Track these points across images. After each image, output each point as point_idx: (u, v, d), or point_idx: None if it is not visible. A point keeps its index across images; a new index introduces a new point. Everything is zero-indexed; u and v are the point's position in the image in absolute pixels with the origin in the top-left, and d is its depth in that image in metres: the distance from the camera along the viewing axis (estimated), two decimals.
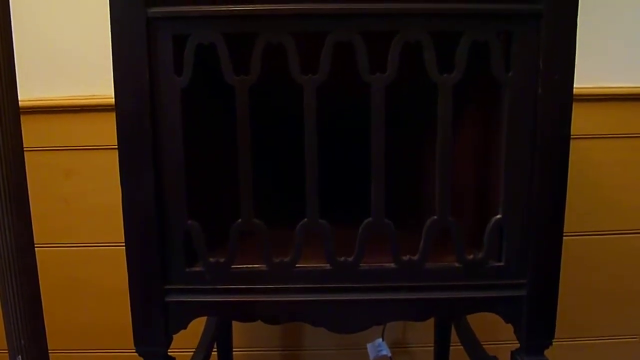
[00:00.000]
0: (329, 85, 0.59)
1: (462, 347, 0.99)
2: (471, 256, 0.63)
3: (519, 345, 0.66)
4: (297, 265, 0.63)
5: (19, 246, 0.61)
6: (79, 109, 1.15)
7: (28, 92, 1.13)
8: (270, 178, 0.89)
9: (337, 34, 0.58)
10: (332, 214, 0.64)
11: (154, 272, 0.62)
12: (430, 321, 1.21)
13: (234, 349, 1.17)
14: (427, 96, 0.64)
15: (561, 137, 0.60)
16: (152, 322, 0.64)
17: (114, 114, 0.60)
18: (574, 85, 0.60)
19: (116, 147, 0.60)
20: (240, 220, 0.62)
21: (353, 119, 0.72)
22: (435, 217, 0.62)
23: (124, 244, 0.62)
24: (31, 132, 1.14)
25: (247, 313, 0.65)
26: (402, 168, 0.82)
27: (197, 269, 0.64)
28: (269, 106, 0.77)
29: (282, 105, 0.72)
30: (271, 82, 0.60)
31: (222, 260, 0.63)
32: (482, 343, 0.96)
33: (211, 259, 0.63)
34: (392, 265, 0.63)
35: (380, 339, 1.20)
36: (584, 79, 1.14)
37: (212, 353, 1.01)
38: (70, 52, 1.15)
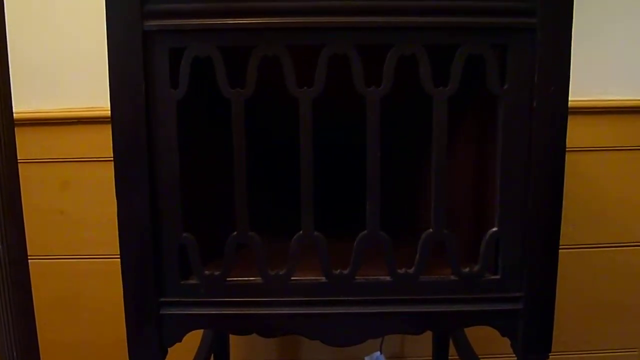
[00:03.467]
0: (325, 98, 0.59)
1: None
2: (467, 269, 0.63)
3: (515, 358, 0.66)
4: (292, 278, 0.63)
5: (12, 258, 0.60)
6: (75, 121, 1.15)
7: (25, 103, 1.14)
8: (267, 190, 0.89)
9: (332, 47, 0.58)
10: (328, 226, 0.64)
11: (148, 285, 0.62)
12: (428, 334, 1.20)
13: None
14: (423, 109, 0.64)
15: (557, 150, 0.60)
16: (147, 335, 0.63)
17: (110, 126, 0.60)
18: (570, 98, 0.60)
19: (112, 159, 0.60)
20: (235, 232, 0.62)
21: (349, 132, 0.72)
22: (431, 230, 0.62)
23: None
24: (28, 144, 1.14)
25: (243, 326, 0.65)
26: (398, 181, 0.82)
27: (192, 281, 0.63)
28: (266, 119, 0.77)
29: (279, 117, 0.72)
30: (268, 95, 0.60)
31: (217, 273, 0.63)
32: (480, 356, 0.95)
33: (206, 272, 0.63)
34: (388, 278, 0.63)
35: (378, 352, 1.19)
36: (580, 92, 1.15)
37: None
38: (68, 64, 1.15)
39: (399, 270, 0.63)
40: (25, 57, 1.14)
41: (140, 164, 0.60)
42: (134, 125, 0.59)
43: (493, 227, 0.62)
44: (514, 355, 0.66)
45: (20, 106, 1.09)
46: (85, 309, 1.24)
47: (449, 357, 1.14)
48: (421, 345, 1.28)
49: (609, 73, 1.18)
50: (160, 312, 0.63)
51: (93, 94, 1.15)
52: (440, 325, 0.65)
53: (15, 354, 0.61)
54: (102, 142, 1.13)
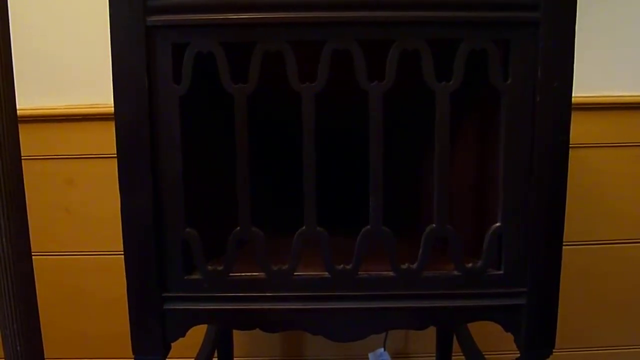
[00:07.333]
0: (327, 93, 0.59)
1: (463, 356, 0.99)
2: (470, 264, 0.63)
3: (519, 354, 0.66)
4: (295, 273, 0.63)
5: (16, 252, 0.61)
6: (80, 117, 1.16)
7: (29, 100, 1.14)
8: (269, 186, 0.89)
9: (334, 42, 0.58)
10: (331, 221, 0.64)
11: (152, 280, 0.62)
12: (432, 330, 1.20)
13: (234, 358, 1.16)
14: (426, 105, 0.64)
15: (560, 145, 0.60)
16: (150, 330, 0.63)
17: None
18: (574, 94, 0.60)
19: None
20: (238, 228, 0.62)
21: (352, 127, 0.72)
22: (434, 225, 0.62)
23: None
24: (33, 141, 1.15)
25: (245, 321, 0.65)
26: (401, 176, 0.82)
27: (195, 277, 0.64)
28: (268, 114, 0.77)
29: (282, 113, 0.72)
30: (271, 91, 0.60)
31: (220, 268, 0.63)
32: (484, 353, 0.95)
33: (209, 267, 0.63)
34: (391, 273, 0.63)
35: (382, 348, 1.20)
36: (584, 88, 1.14)
37: None
38: (72, 61, 1.16)
39: (402, 266, 0.63)
40: (28, 53, 1.14)
41: (143, 159, 0.60)
42: (137, 120, 0.59)
43: (496, 222, 0.62)
44: (517, 351, 0.66)
45: (24, 103, 1.10)
46: (89, 305, 1.25)
47: (453, 354, 1.14)
48: (425, 342, 1.28)
49: (612, 69, 1.17)
50: (164, 308, 0.63)
51: (97, 90, 1.15)
52: (443, 320, 0.65)
53: (19, 347, 0.62)
54: (107, 138, 1.14)
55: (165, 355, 0.64)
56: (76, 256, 1.23)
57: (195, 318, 0.64)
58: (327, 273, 0.63)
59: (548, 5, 0.58)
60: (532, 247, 0.62)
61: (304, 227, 0.62)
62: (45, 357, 0.70)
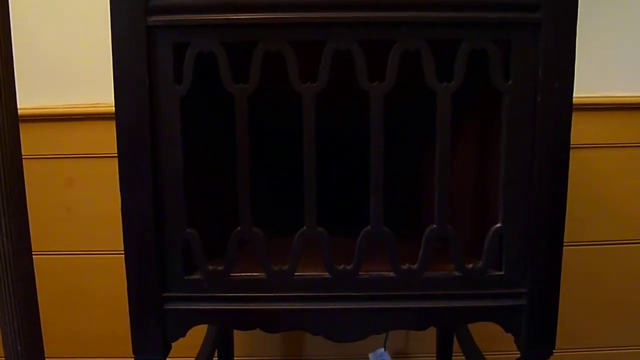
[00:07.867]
0: (329, 94, 0.59)
1: (464, 356, 0.99)
2: (471, 265, 0.63)
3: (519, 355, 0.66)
4: (295, 273, 0.63)
5: (16, 251, 0.61)
6: (81, 117, 1.16)
7: (31, 100, 1.14)
8: (270, 185, 0.89)
9: (335, 43, 0.58)
10: (331, 221, 0.64)
11: (152, 280, 0.62)
12: (433, 331, 1.20)
13: (235, 358, 1.16)
14: (427, 106, 0.64)
15: (561, 146, 0.60)
16: (151, 330, 0.63)
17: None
18: (575, 95, 0.60)
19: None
20: (239, 228, 0.62)
21: (353, 127, 0.72)
22: (435, 225, 0.62)
23: None
24: (34, 140, 1.15)
25: (246, 321, 0.65)
26: (401, 176, 0.82)
27: (196, 277, 0.64)
28: (270, 115, 0.77)
29: (283, 113, 0.72)
30: (271, 91, 0.60)
31: (220, 268, 0.63)
32: (484, 353, 0.95)
33: (210, 267, 0.63)
34: (391, 274, 0.63)
35: (383, 349, 1.20)
36: (585, 89, 1.14)
37: None
38: (72, 60, 1.16)
39: (402, 266, 0.63)
40: (30, 53, 1.14)
41: (143, 159, 0.60)
42: (138, 120, 0.59)
43: (496, 222, 0.62)
44: (518, 351, 0.66)
45: (25, 102, 1.10)
46: (90, 304, 1.25)
47: (453, 354, 1.14)
48: (425, 342, 1.28)
49: (614, 69, 1.17)
50: (164, 308, 0.63)
51: (98, 90, 1.15)
52: (444, 321, 0.65)
53: (19, 347, 0.62)
54: (107, 138, 1.14)
55: (166, 355, 0.64)
56: (76, 256, 1.23)
57: (195, 318, 0.64)
58: (327, 273, 0.63)
59: (549, 6, 0.58)
60: (533, 247, 0.62)
61: (304, 227, 0.62)
62: (45, 356, 0.70)
